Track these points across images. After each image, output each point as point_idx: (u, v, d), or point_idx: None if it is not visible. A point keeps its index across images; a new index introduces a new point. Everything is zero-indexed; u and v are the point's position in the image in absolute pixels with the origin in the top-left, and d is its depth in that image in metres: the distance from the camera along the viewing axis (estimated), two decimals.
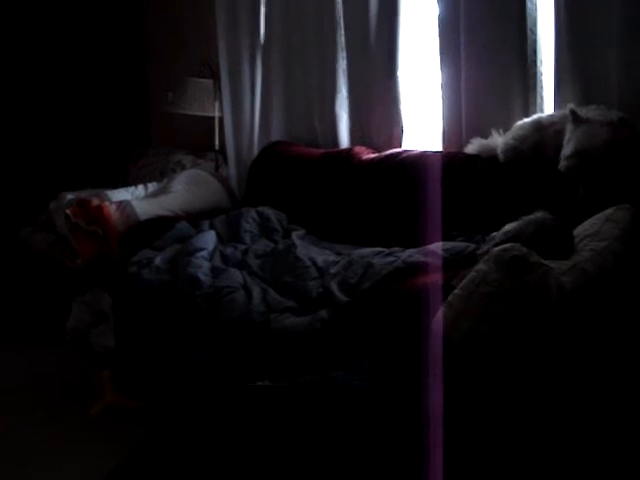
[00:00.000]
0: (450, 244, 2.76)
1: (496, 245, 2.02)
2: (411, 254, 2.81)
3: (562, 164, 2.60)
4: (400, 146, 3.62)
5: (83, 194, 4.04)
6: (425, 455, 1.69)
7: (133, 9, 5.25)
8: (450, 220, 2.93)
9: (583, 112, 2.66)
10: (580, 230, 2.18)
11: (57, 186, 4.32)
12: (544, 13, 3.09)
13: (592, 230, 2.10)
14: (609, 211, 2.16)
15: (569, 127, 2.62)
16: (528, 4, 3.08)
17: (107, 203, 3.83)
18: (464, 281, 1.88)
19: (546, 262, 1.81)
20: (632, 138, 2.53)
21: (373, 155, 3.59)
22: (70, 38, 4.97)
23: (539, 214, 2.27)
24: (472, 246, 2.64)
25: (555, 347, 1.81)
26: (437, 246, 2.77)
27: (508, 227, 2.28)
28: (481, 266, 1.85)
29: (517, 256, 1.78)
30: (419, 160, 3.32)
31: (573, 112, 2.63)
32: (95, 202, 3.81)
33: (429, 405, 1.74)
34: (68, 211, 3.79)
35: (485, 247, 2.30)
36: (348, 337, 2.41)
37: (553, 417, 1.74)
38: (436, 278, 2.46)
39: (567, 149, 2.59)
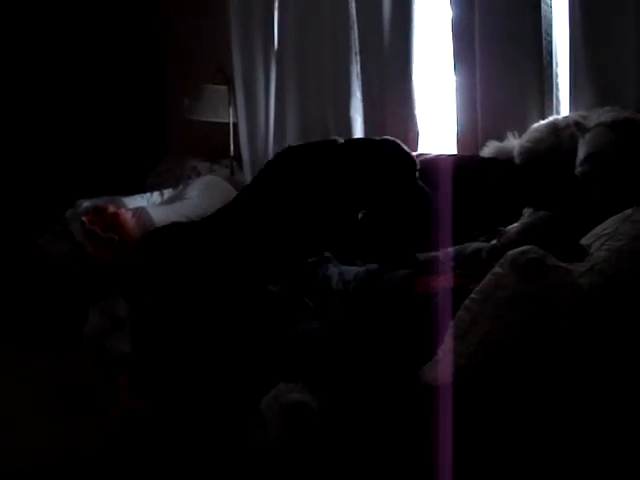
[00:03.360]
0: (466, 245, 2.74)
1: (506, 245, 2.01)
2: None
3: (578, 170, 2.60)
4: (416, 149, 3.60)
5: (99, 201, 4.06)
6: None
7: (149, 17, 5.28)
8: (468, 223, 2.91)
9: (597, 114, 2.65)
10: (598, 230, 2.16)
11: (74, 194, 4.33)
12: (559, 14, 3.06)
13: (610, 230, 2.08)
14: (628, 211, 2.14)
15: (579, 136, 2.62)
16: (543, 5, 3.05)
17: (123, 210, 3.85)
18: (480, 285, 1.86)
19: (563, 264, 1.80)
20: (637, 136, 2.52)
21: None
22: (87, 46, 5.01)
23: (541, 213, 2.27)
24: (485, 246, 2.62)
25: (574, 350, 1.79)
26: (453, 249, 2.75)
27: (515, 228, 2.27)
28: (497, 269, 1.83)
29: (534, 259, 1.77)
30: (435, 163, 3.29)
31: (577, 123, 2.64)
32: (111, 209, 3.83)
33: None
34: (84, 218, 3.81)
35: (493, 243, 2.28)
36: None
37: (569, 423, 1.72)
38: (449, 280, 2.45)
39: (581, 155, 2.59)
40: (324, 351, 2.44)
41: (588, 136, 2.56)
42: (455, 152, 3.45)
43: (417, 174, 3.18)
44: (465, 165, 3.17)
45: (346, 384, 2.15)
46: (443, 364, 1.91)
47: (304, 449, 1.93)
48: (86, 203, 4.11)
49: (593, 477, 1.72)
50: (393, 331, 2.34)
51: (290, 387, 2.09)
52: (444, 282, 2.42)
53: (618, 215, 2.15)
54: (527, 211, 2.42)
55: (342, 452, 1.92)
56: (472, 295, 1.87)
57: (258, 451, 2.04)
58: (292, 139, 4.13)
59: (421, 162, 3.36)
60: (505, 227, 2.37)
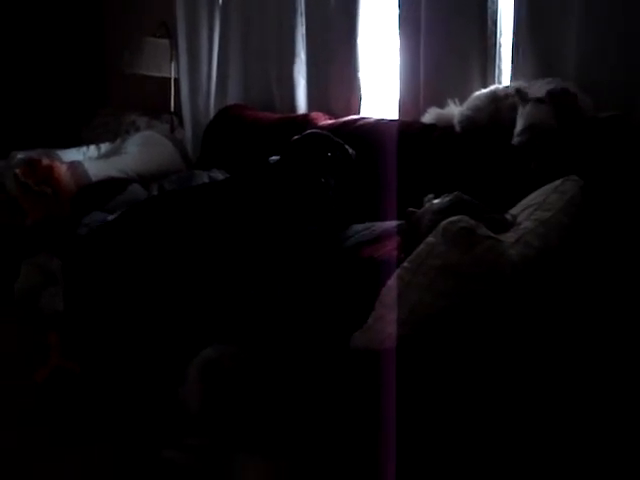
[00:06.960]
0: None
1: (432, 219, 2.02)
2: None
3: (515, 140, 2.62)
4: (358, 113, 3.59)
5: (33, 154, 3.95)
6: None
7: None
8: (406, 189, 2.91)
9: (538, 85, 2.66)
10: (527, 199, 2.18)
11: (8, 145, 4.21)
12: None
13: (538, 200, 2.10)
14: (557, 182, 2.16)
15: (519, 105, 2.63)
16: None
17: (58, 163, 3.76)
18: (413, 254, 1.86)
19: (494, 235, 1.81)
20: (573, 109, 2.54)
21: (330, 121, 3.55)
22: None
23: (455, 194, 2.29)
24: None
25: (505, 320, 1.81)
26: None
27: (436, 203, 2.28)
28: (430, 238, 1.84)
29: (465, 228, 1.77)
30: (376, 128, 3.29)
31: (519, 91, 2.65)
32: (45, 162, 3.74)
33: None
34: (17, 170, 3.71)
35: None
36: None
37: (502, 391, 1.74)
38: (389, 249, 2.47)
39: (518, 126, 2.61)
40: (258, 312, 2.44)
41: (527, 108, 2.57)
42: (397, 117, 3.44)
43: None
44: (406, 131, 3.17)
45: (277, 343, 2.16)
46: (373, 331, 1.92)
47: (219, 404, 1.95)
48: (20, 155, 4.00)
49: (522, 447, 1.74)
50: (333, 295, 2.35)
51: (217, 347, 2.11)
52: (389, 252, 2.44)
53: (548, 185, 2.17)
54: (430, 197, 2.41)
55: (261, 408, 1.95)
56: (404, 264, 1.88)
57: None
58: (234, 97, 4.08)
59: (363, 126, 3.35)
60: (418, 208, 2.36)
